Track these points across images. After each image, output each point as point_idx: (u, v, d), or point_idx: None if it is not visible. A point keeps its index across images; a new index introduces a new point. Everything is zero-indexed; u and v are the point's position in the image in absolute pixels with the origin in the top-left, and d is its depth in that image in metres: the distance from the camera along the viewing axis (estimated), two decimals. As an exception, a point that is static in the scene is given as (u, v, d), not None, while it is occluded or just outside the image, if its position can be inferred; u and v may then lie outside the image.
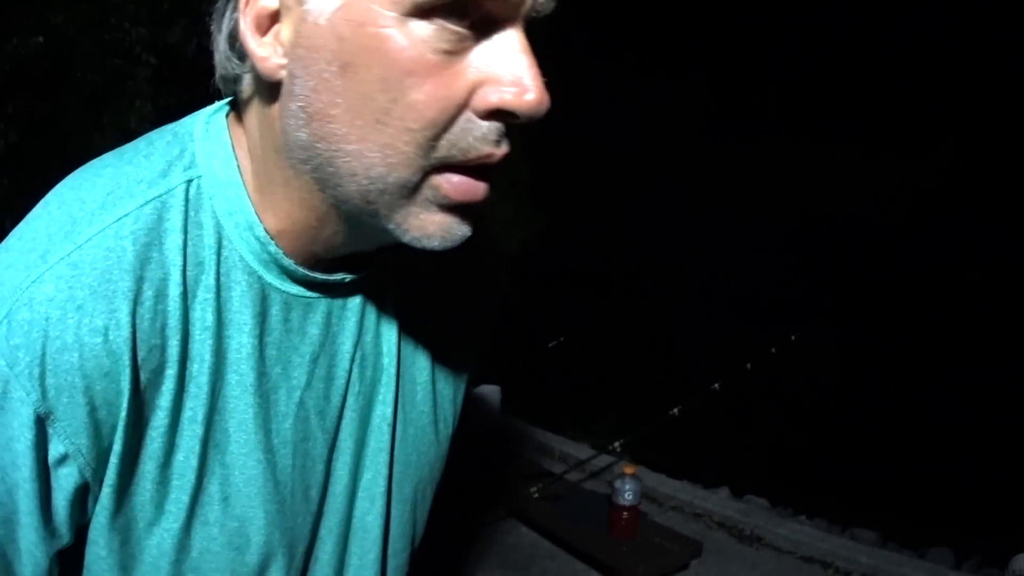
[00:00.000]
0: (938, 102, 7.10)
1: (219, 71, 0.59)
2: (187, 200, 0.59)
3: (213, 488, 0.62)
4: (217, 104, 0.64)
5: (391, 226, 0.54)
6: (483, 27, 0.50)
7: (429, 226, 0.54)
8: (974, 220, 6.81)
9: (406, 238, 0.54)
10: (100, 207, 0.57)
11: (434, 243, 0.54)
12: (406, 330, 0.71)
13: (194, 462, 0.61)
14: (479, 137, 0.51)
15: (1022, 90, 6.76)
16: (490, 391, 3.72)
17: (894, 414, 4.95)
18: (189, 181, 0.59)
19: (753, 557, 3.01)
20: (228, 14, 0.56)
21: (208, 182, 0.60)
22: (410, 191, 0.52)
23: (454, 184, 0.52)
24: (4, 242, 0.58)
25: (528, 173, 5.23)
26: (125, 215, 0.56)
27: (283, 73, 0.53)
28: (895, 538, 3.38)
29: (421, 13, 0.48)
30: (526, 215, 5.68)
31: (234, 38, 0.56)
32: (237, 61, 0.57)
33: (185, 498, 0.61)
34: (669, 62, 7.95)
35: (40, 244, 0.56)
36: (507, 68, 0.50)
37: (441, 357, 0.75)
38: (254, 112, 0.59)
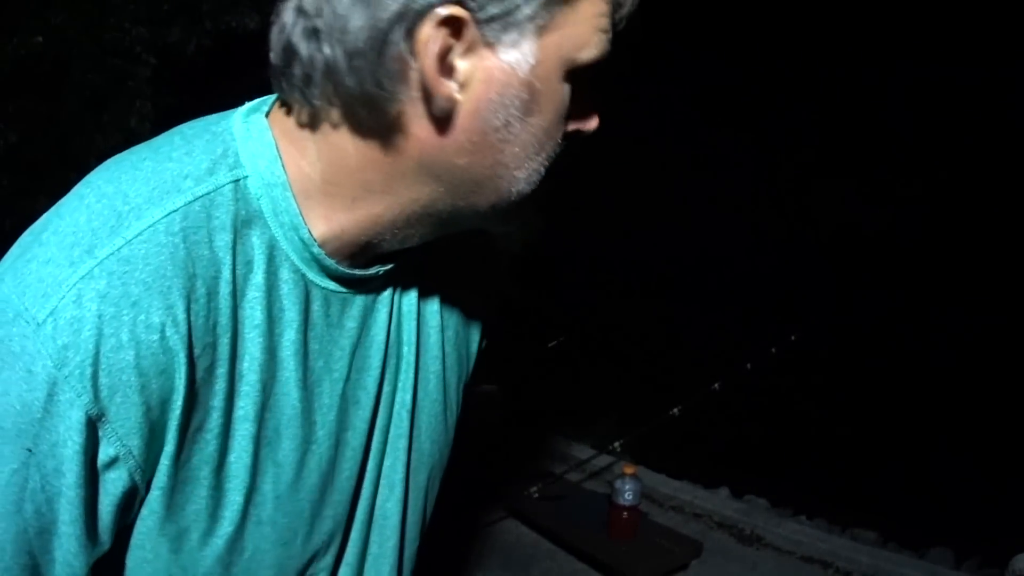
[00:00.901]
0: (935, 123, 7.11)
1: (365, 94, 0.57)
2: (235, 199, 0.59)
3: (266, 487, 0.63)
4: (250, 104, 0.64)
5: (491, 223, 0.67)
6: None
7: (515, 221, 0.68)
8: (973, 222, 6.82)
9: (498, 231, 0.71)
10: (147, 201, 0.55)
11: (511, 231, 0.72)
12: (423, 320, 0.74)
13: (247, 461, 0.61)
14: (560, 153, 0.65)
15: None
16: (490, 391, 3.72)
17: (895, 414, 4.95)
18: (236, 180, 0.59)
19: (753, 557, 3.01)
20: (396, 42, 0.55)
21: (255, 182, 0.60)
22: (528, 198, 0.64)
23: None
24: (34, 236, 0.56)
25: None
26: (174, 211, 0.56)
27: (454, 106, 0.58)
28: (895, 538, 3.37)
29: (573, 75, 0.61)
30: (526, 215, 5.68)
31: (400, 67, 0.56)
32: (404, 90, 0.57)
33: (239, 499, 0.61)
34: (672, 62, 7.96)
35: (83, 239, 0.54)
36: (583, 104, 0.64)
37: (450, 346, 0.78)
38: (392, 131, 0.59)
